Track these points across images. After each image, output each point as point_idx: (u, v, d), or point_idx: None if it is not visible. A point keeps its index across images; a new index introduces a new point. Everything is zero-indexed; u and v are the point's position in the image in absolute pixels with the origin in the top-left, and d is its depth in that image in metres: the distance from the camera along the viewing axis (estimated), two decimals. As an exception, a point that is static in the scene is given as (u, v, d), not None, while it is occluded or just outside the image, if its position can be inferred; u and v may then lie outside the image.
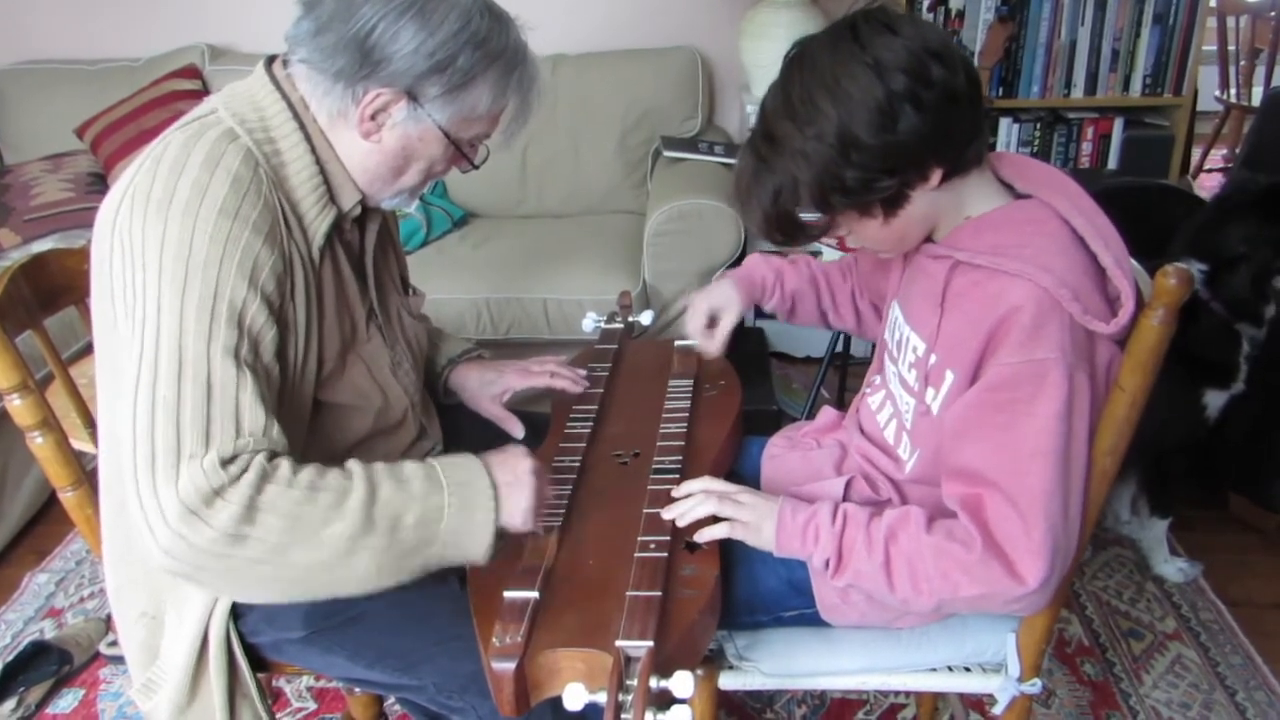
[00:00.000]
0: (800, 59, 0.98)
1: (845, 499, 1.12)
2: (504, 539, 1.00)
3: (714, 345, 1.36)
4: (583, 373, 1.39)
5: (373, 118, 1.02)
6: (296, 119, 1.04)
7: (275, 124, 1.03)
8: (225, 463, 0.88)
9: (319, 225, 1.05)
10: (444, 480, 0.96)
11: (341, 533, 0.90)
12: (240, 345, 0.93)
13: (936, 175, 0.97)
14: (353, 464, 0.95)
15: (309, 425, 1.08)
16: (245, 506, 0.87)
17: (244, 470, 0.89)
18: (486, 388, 1.38)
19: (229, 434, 0.90)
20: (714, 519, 1.04)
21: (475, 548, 0.98)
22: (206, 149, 0.98)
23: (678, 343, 1.44)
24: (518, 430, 1.35)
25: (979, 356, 0.97)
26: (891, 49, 0.92)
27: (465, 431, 1.37)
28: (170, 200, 0.94)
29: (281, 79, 1.05)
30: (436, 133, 1.05)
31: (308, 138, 1.04)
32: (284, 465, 0.91)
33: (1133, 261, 1.02)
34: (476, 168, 1.13)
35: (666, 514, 1.05)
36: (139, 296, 0.94)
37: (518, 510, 0.99)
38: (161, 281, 0.92)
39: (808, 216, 1.02)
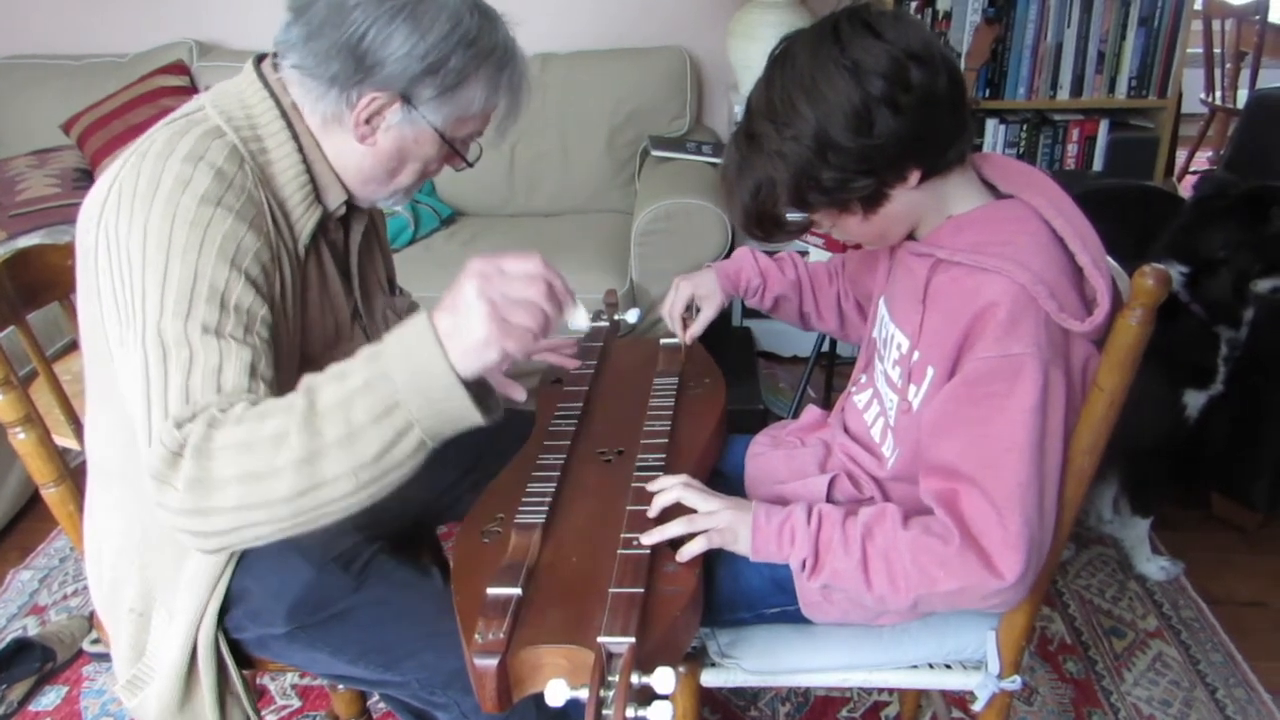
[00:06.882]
0: (783, 58, 0.98)
1: (828, 497, 1.13)
2: (489, 391, 0.90)
3: (689, 335, 1.36)
4: (576, 336, 1.39)
5: (368, 121, 1.03)
6: (284, 118, 1.04)
7: (262, 122, 1.03)
8: (180, 425, 0.86)
9: (305, 223, 1.05)
10: (385, 342, 0.84)
11: (296, 449, 0.82)
12: (223, 322, 0.92)
13: (915, 176, 0.98)
14: (305, 377, 0.87)
15: None
16: (196, 456, 0.83)
17: (194, 422, 0.85)
18: None
19: (196, 400, 0.88)
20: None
21: (450, 400, 0.82)
22: (191, 144, 0.98)
23: (663, 341, 1.45)
24: (519, 394, 1.34)
25: (956, 351, 0.98)
26: (871, 52, 0.93)
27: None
28: (154, 193, 0.94)
29: (271, 80, 1.05)
30: (431, 134, 1.05)
31: (294, 137, 1.04)
32: (238, 407, 0.86)
33: (1112, 262, 1.03)
34: (471, 165, 1.13)
35: (646, 539, 1.01)
36: (126, 289, 0.94)
37: (473, 339, 0.81)
38: (145, 271, 0.92)
39: (790, 215, 1.03)
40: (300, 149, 1.04)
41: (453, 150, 1.09)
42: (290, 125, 1.04)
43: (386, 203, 1.14)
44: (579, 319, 0.91)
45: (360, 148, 1.05)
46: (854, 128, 0.93)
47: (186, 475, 0.83)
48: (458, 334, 0.81)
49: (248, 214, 0.98)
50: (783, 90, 0.96)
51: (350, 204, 1.12)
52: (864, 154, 0.94)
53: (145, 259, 0.93)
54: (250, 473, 0.83)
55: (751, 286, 1.36)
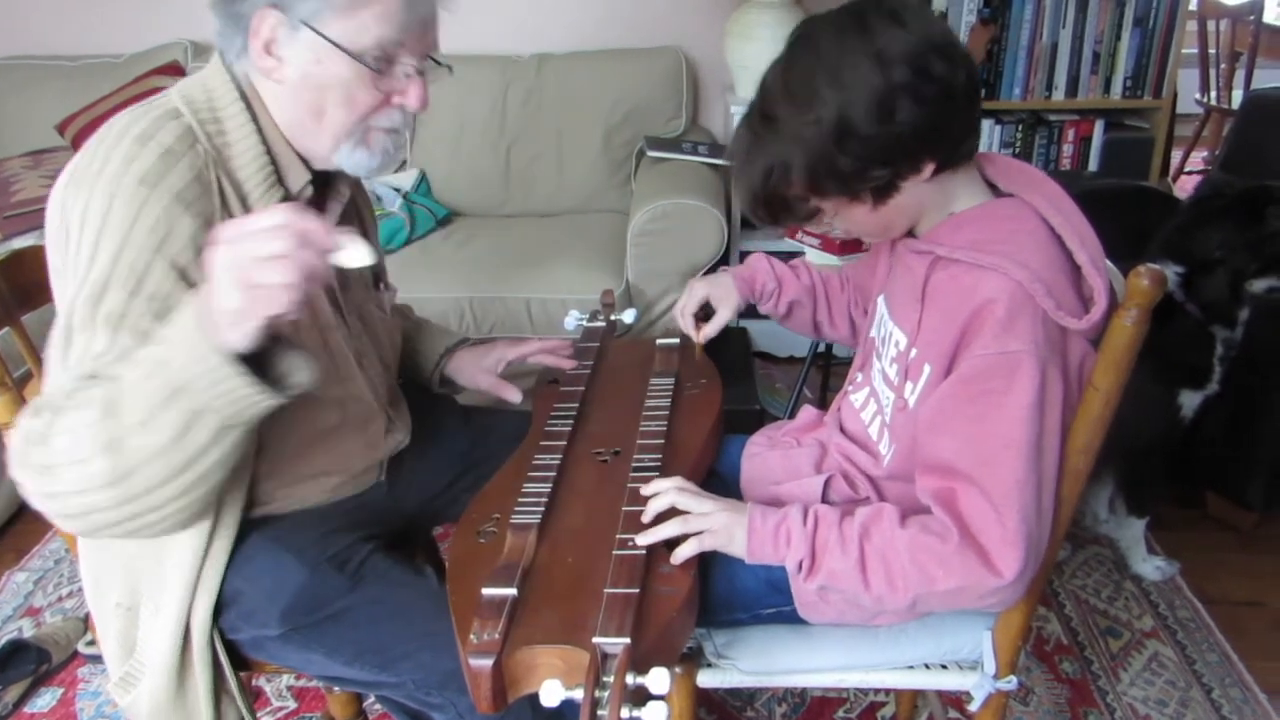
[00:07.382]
0: (805, 40, 0.98)
1: (824, 498, 1.13)
2: (293, 361, 0.89)
3: (703, 335, 1.35)
4: (572, 337, 1.40)
5: (268, 51, 1.01)
6: (244, 100, 1.04)
7: (222, 105, 1.04)
8: (38, 413, 0.89)
9: (264, 206, 1.05)
10: (167, 325, 0.86)
11: (104, 433, 0.85)
12: (130, 310, 0.93)
13: (929, 168, 0.98)
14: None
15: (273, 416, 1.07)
16: (41, 443, 0.87)
17: (45, 410, 0.88)
18: (480, 360, 1.39)
19: (60, 387, 0.90)
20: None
21: (226, 379, 0.82)
22: (144, 125, 0.99)
23: (659, 341, 1.45)
24: (514, 396, 1.34)
25: (954, 349, 0.98)
26: (897, 40, 0.93)
27: (448, 426, 1.37)
28: (100, 173, 0.96)
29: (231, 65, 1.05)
30: (321, 43, 0.99)
31: (254, 118, 1.05)
32: (80, 392, 0.88)
33: (1108, 262, 1.03)
34: (403, 93, 1.04)
35: (641, 540, 1.00)
36: (71, 270, 0.96)
37: (228, 311, 0.79)
38: (80, 251, 0.94)
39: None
40: (259, 130, 1.05)
41: (366, 66, 0.99)
42: (250, 108, 1.05)
43: (341, 157, 1.06)
44: (351, 257, 0.81)
45: (279, 90, 1.03)
46: (876, 115, 0.93)
47: (36, 462, 0.87)
48: (216, 309, 0.80)
49: (189, 195, 0.98)
50: (804, 73, 0.95)
51: (322, 190, 1.11)
52: (883, 142, 0.94)
53: (81, 240, 0.95)
54: (77, 458, 0.86)
55: (767, 291, 1.35)
